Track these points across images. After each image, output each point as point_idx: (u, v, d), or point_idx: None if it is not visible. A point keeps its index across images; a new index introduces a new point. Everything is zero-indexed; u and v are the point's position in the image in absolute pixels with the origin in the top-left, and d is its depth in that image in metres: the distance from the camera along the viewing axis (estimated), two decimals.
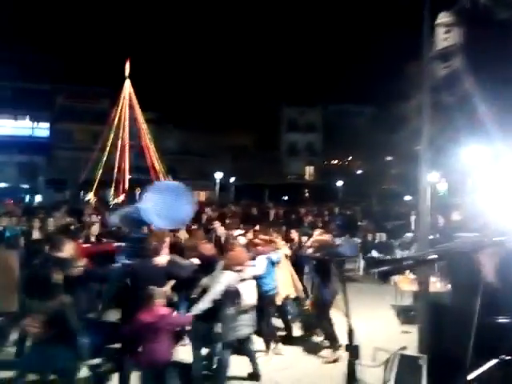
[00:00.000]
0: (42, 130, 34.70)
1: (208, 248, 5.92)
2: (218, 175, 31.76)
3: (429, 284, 4.98)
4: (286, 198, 32.18)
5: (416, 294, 6.30)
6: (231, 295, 4.68)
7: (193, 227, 8.76)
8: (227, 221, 10.90)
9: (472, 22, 5.08)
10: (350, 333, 2.72)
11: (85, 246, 6.36)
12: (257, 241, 6.42)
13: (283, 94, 38.34)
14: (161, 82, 34.26)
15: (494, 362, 2.33)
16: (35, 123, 34.53)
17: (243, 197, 27.62)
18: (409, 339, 5.04)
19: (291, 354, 5.88)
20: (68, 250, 4.59)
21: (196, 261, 5.28)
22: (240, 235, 7.90)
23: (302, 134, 40.59)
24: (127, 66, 26.91)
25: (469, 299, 2.87)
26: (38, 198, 29.10)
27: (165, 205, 4.12)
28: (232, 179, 33.19)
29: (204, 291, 4.80)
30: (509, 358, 2.31)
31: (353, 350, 2.69)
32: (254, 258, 5.72)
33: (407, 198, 27.94)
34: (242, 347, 5.00)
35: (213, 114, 35.83)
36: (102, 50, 47.47)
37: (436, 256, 0.90)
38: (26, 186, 31.60)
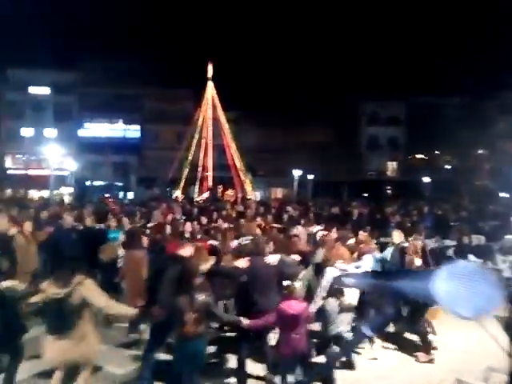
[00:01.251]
0: (134, 131, 37.47)
1: (305, 244, 6.24)
2: (297, 172, 31.66)
3: None
4: (365, 195, 31.13)
5: None
6: (333, 292, 4.82)
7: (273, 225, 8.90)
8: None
9: None
10: None
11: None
12: (360, 239, 6.58)
13: (363, 87, 37.06)
14: (240, 82, 35.02)
15: None
16: (127, 125, 37.40)
17: (321, 194, 27.31)
18: None
19: (391, 361, 5.64)
20: (188, 249, 4.97)
21: (297, 257, 5.52)
22: (320, 231, 7.94)
23: (383, 128, 38.82)
24: (210, 67, 27.97)
25: None
26: (130, 195, 31.49)
27: (467, 290, 3.74)
28: (310, 176, 32.89)
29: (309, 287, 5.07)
30: None
31: None
32: (360, 257, 5.86)
33: (503, 195, 25.49)
34: (337, 345, 5.03)
35: (291, 110, 35.82)
36: (185, 52, 49.84)
37: None
38: (119, 184, 34.37)
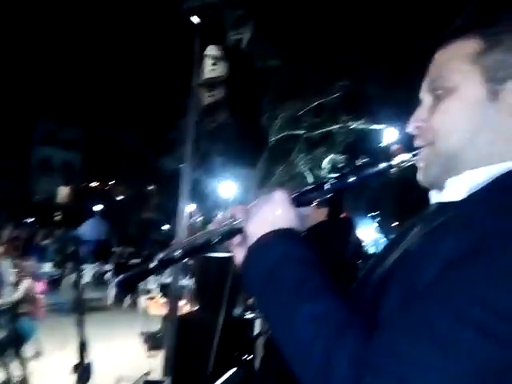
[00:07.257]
0: None
1: None
2: None
3: (177, 306, 4.92)
4: (32, 219, 28.01)
5: (165, 318, 6.20)
6: None
7: None
8: None
9: (235, 60, 5.61)
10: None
11: None
12: None
13: (41, 105, 34.09)
14: None
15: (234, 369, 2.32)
16: None
17: None
18: (155, 364, 4.86)
19: None
20: None
21: None
22: None
23: (59, 150, 36.91)
24: None
25: (213, 309, 2.85)
26: None
27: None
28: None
29: None
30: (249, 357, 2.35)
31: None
32: None
33: (165, 227, 28.56)
34: None
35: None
36: None
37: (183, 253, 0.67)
38: None
